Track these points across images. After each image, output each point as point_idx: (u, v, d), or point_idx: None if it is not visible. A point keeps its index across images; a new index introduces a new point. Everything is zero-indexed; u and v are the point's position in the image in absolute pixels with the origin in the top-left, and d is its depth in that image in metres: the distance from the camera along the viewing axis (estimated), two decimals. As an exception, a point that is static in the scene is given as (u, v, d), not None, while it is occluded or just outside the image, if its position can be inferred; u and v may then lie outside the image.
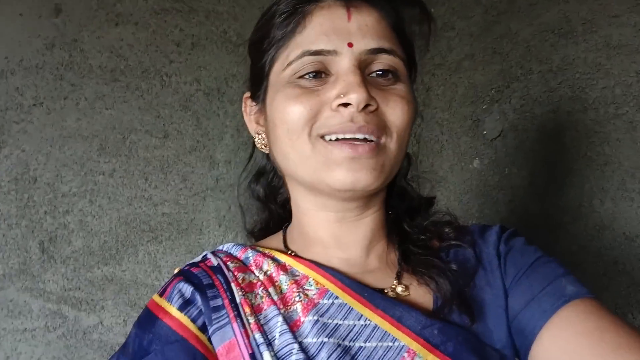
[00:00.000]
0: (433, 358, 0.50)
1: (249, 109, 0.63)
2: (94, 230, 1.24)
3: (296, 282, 0.54)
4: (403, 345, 0.50)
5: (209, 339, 0.51)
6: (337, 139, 0.52)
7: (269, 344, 0.50)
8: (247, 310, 0.52)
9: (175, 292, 0.54)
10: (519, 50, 1.29)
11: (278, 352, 0.49)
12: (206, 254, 0.61)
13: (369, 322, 0.51)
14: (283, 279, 0.55)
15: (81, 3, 1.26)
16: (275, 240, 0.65)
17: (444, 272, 0.55)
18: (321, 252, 0.59)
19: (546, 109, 1.23)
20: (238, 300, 0.52)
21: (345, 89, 0.50)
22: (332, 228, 0.59)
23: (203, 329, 0.52)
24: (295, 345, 0.49)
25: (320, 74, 0.53)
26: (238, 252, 0.60)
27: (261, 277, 0.55)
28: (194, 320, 0.52)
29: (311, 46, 0.52)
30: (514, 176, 1.31)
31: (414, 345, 0.50)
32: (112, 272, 1.25)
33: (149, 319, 0.53)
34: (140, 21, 1.31)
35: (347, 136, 0.51)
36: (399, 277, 0.59)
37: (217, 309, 0.52)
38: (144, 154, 1.29)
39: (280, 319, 0.51)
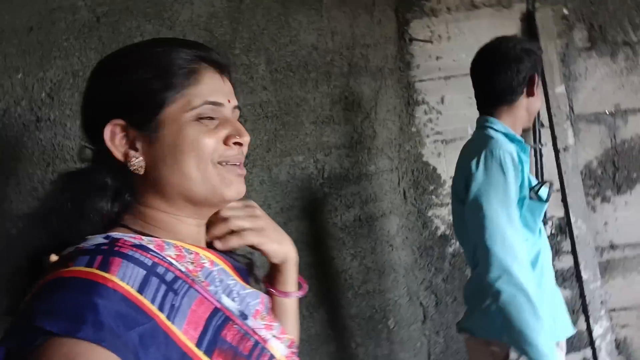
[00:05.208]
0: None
1: (117, 134, 0.69)
2: None
3: (195, 258, 0.70)
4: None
5: (167, 317, 0.59)
6: (226, 164, 0.72)
7: (217, 292, 0.68)
8: (194, 275, 0.66)
9: (129, 273, 0.59)
10: None
11: (225, 291, 0.70)
12: (110, 236, 0.65)
13: (234, 280, 0.75)
14: (187, 255, 0.69)
15: None
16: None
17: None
18: (193, 242, 0.74)
19: None
20: (184, 269, 0.66)
21: (236, 132, 0.72)
22: (195, 229, 0.76)
23: (161, 308, 0.59)
24: (229, 287, 0.71)
25: (212, 118, 0.71)
26: (135, 237, 0.67)
27: (174, 254, 0.68)
28: (152, 302, 0.59)
29: (209, 98, 0.70)
30: None
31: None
32: None
33: (107, 291, 0.56)
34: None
35: (235, 162, 0.73)
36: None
37: (175, 280, 0.63)
38: None
39: (213, 274, 0.70)
